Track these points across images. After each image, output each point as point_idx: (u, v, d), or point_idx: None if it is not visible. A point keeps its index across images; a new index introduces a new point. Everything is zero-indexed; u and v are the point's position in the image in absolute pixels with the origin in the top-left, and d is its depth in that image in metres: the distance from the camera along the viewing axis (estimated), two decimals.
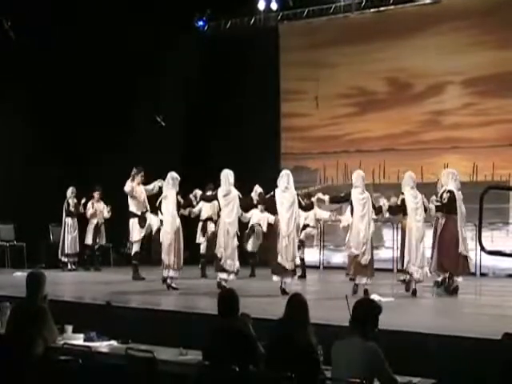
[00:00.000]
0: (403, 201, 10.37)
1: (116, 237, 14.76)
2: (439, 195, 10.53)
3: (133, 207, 12.26)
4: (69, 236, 14.25)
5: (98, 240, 14.49)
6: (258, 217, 12.55)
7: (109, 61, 14.75)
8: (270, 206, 10.52)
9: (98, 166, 14.46)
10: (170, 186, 10.82)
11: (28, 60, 13.95)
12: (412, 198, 10.35)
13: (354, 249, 10.11)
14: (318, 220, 12.89)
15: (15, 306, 6.59)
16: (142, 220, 12.15)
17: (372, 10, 15.87)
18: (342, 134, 16.55)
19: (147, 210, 12.18)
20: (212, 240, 11.67)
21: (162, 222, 11.06)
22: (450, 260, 10.31)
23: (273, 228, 10.54)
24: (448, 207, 10.40)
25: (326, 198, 10.89)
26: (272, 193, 10.36)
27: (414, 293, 10.17)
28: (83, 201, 14.26)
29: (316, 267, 15.23)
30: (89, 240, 14.39)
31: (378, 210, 10.34)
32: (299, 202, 10.52)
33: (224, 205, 10.38)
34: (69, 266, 14.27)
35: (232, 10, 16.57)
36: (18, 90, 13.69)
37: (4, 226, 14.53)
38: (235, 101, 16.22)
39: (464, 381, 5.90)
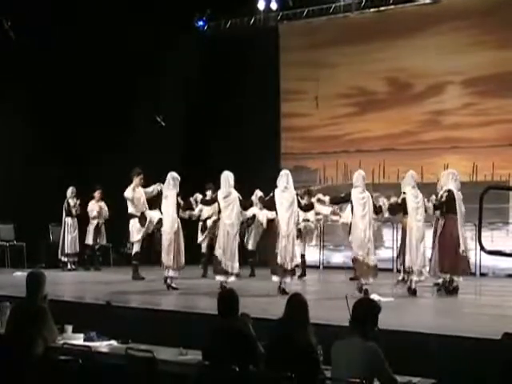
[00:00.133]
0: (404, 200, 10.37)
1: (116, 237, 14.78)
2: (439, 196, 10.53)
3: (132, 209, 12.28)
4: (69, 236, 14.26)
5: (98, 240, 14.50)
6: (258, 214, 12.53)
7: (109, 61, 14.75)
8: (270, 207, 10.51)
9: (98, 165, 14.46)
10: (170, 186, 10.82)
11: (28, 60, 13.95)
12: (413, 198, 10.35)
13: (357, 249, 10.09)
14: (318, 220, 12.89)
15: (15, 305, 6.60)
16: (143, 219, 12.15)
17: (372, 9, 15.87)
18: (342, 134, 16.55)
19: (146, 209, 12.20)
20: (212, 237, 11.73)
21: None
22: (450, 260, 10.31)
23: (272, 225, 10.52)
24: (447, 206, 10.40)
25: (327, 199, 10.91)
26: (272, 194, 10.36)
27: (414, 293, 10.17)
28: (78, 201, 14.24)
29: (316, 267, 15.24)
30: (89, 240, 14.40)
31: (378, 209, 10.34)
32: (298, 202, 10.53)
33: (224, 206, 10.38)
34: (69, 266, 14.27)
35: (232, 10, 16.57)
36: (18, 89, 13.69)
37: (4, 226, 14.54)
38: (235, 101, 16.22)
39: (464, 381, 5.90)
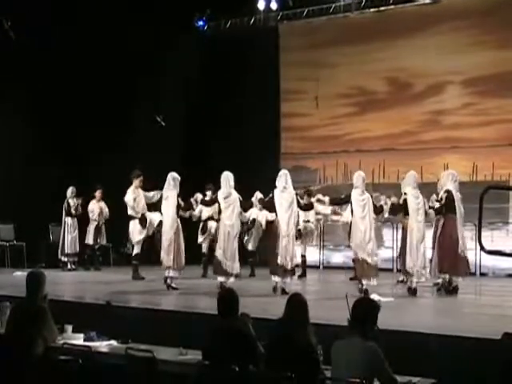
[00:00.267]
0: (405, 200, 10.37)
1: (116, 237, 14.77)
2: (439, 197, 10.53)
3: (131, 211, 12.27)
4: (69, 236, 14.26)
5: (98, 240, 14.50)
6: (257, 215, 12.53)
7: (109, 61, 14.75)
8: (270, 208, 10.51)
9: (98, 165, 14.46)
10: (170, 186, 10.81)
11: (28, 60, 13.95)
12: (414, 199, 10.35)
13: (357, 250, 10.08)
14: (318, 220, 12.90)
15: (15, 305, 6.59)
16: (143, 220, 12.15)
17: (372, 9, 15.87)
18: (342, 134, 16.55)
19: (146, 211, 12.20)
20: (213, 239, 11.72)
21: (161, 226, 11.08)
22: (450, 261, 10.32)
23: (272, 226, 10.52)
24: (447, 207, 10.40)
25: (326, 199, 10.90)
26: (271, 194, 10.36)
27: (414, 293, 10.16)
28: (79, 201, 14.24)
29: (316, 267, 15.23)
30: (90, 240, 14.39)
31: (378, 209, 10.33)
32: (298, 202, 10.53)
33: (224, 207, 10.37)
34: (69, 266, 14.27)
35: (232, 10, 16.56)
36: (18, 89, 13.69)
37: (4, 226, 14.54)
38: (235, 101, 16.22)
39: (464, 380, 5.90)
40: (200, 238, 13.05)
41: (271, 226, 10.66)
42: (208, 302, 8.11)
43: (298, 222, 10.73)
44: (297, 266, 10.72)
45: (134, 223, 12.27)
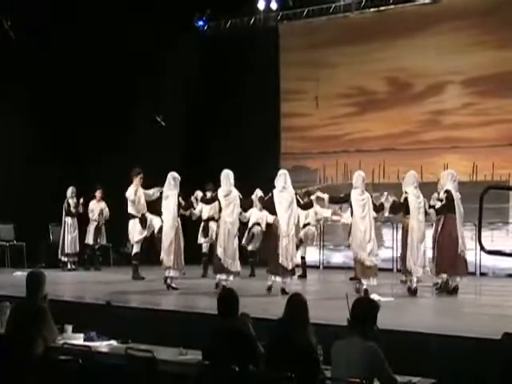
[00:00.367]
0: (406, 199, 10.37)
1: (116, 237, 14.76)
2: (440, 197, 10.53)
3: (132, 209, 12.27)
4: (69, 236, 14.26)
5: (98, 240, 14.50)
6: (257, 215, 12.54)
7: (109, 61, 14.75)
8: (269, 207, 10.50)
9: (98, 165, 14.46)
10: (171, 186, 10.81)
11: (28, 60, 13.95)
12: (415, 198, 10.35)
13: (357, 250, 10.08)
14: (318, 220, 12.91)
15: (15, 305, 6.59)
16: (143, 221, 12.16)
17: (372, 9, 15.87)
18: (342, 134, 16.55)
19: (146, 211, 12.20)
20: (215, 242, 11.72)
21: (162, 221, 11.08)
22: (449, 261, 10.31)
23: (272, 227, 10.52)
24: (447, 207, 10.40)
25: (326, 196, 10.86)
26: (270, 194, 10.36)
27: (415, 292, 10.16)
28: (81, 200, 14.25)
29: (316, 267, 15.24)
30: (90, 240, 14.40)
31: (379, 206, 10.32)
32: (297, 201, 10.53)
33: (225, 205, 10.37)
34: (69, 266, 14.27)
35: (232, 9, 16.57)
36: (18, 89, 13.69)
37: (4, 226, 14.54)
38: (235, 101, 16.22)
39: (464, 380, 5.90)
40: (201, 240, 13.05)
41: (271, 226, 10.65)
42: (208, 302, 8.12)
43: (298, 226, 10.69)
44: (297, 266, 10.72)
45: (134, 222, 12.27)
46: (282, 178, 10.25)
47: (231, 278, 10.21)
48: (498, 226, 14.10)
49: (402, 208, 10.45)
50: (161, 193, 11.15)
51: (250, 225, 12.59)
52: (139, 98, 15.43)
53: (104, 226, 14.55)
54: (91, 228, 14.44)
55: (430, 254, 10.59)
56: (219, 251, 10.26)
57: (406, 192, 10.42)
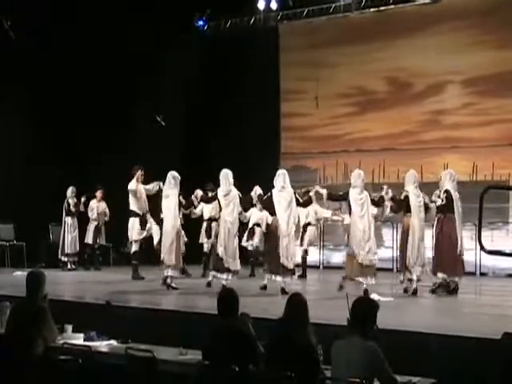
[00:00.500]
0: (406, 197, 10.36)
1: (116, 237, 14.75)
2: (439, 197, 10.53)
3: (134, 206, 12.24)
4: (69, 235, 14.26)
5: (98, 240, 14.51)
6: (257, 216, 12.54)
7: (109, 61, 14.75)
8: (269, 207, 10.50)
9: (98, 165, 14.46)
10: (171, 185, 10.81)
11: (28, 60, 13.96)
12: (415, 197, 10.36)
13: (355, 248, 10.07)
14: (318, 220, 12.90)
15: (15, 305, 6.59)
16: (143, 222, 12.15)
17: (372, 9, 15.88)
18: (342, 134, 16.56)
19: (147, 211, 12.19)
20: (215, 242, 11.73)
21: (161, 226, 11.06)
22: (449, 261, 10.31)
23: (271, 227, 10.51)
24: (447, 207, 10.41)
25: (324, 191, 10.79)
26: (269, 193, 10.36)
27: (415, 292, 10.16)
28: (83, 199, 14.25)
29: (316, 267, 15.24)
30: (89, 239, 14.40)
31: (379, 200, 10.29)
32: (297, 200, 10.52)
33: (225, 204, 10.38)
34: (69, 266, 14.27)
35: (232, 9, 16.57)
36: (18, 89, 13.69)
37: (4, 226, 14.54)
38: (235, 101, 16.22)
39: (464, 380, 5.90)
40: (203, 240, 13.04)
41: (271, 226, 10.65)
42: (208, 302, 8.11)
43: (298, 226, 10.67)
44: (297, 265, 10.72)
45: (134, 221, 12.25)
46: (281, 178, 10.25)
47: (230, 276, 10.21)
48: (498, 225, 14.11)
49: (402, 206, 10.44)
50: (161, 191, 11.15)
51: (250, 225, 12.59)
52: (139, 98, 15.43)
53: (104, 225, 14.56)
54: (91, 227, 14.45)
55: (428, 253, 10.59)
56: (220, 250, 10.27)
57: (406, 190, 10.41)
